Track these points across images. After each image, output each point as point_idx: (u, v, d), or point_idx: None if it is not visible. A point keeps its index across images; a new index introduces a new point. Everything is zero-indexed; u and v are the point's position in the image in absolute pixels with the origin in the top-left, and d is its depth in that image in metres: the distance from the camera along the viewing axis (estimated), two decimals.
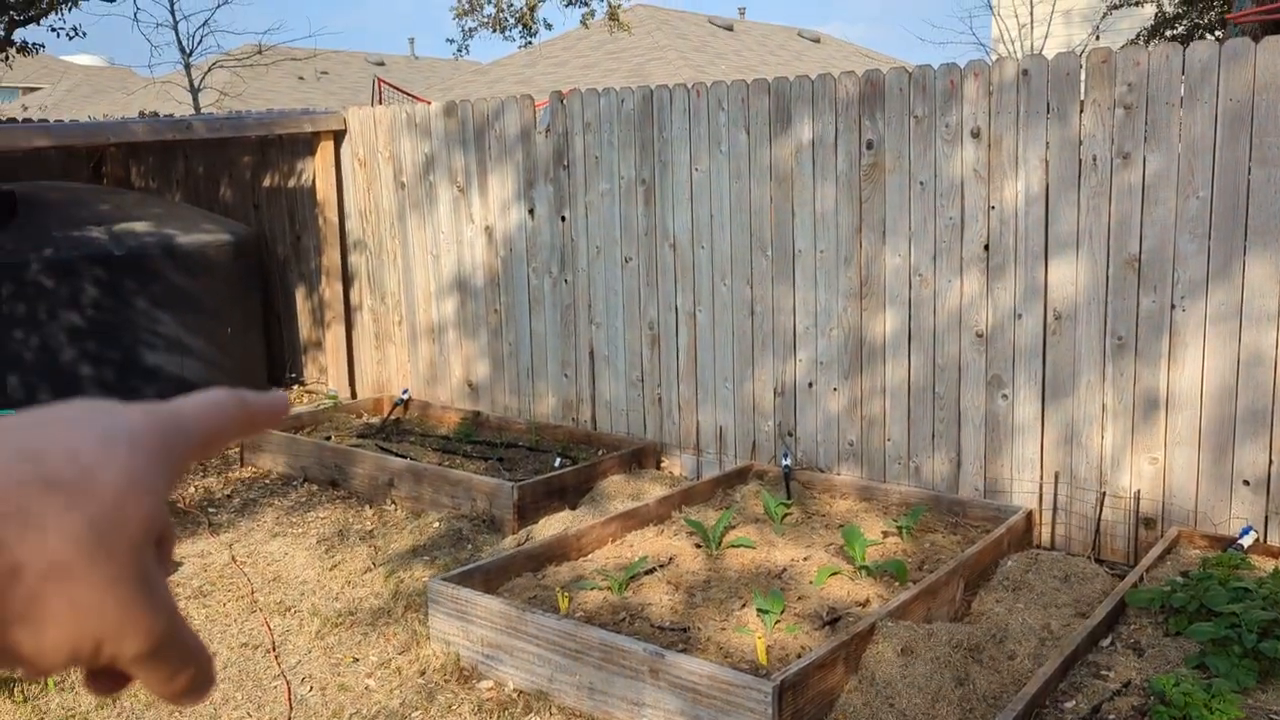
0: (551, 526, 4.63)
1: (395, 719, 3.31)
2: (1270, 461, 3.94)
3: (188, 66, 18.05)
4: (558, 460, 5.42)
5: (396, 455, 5.55)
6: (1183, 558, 3.89)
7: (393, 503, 5.23)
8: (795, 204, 5.03)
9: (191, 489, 5.57)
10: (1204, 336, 4.04)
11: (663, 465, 5.68)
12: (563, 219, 5.89)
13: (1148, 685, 3.00)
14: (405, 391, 6.70)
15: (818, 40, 27.76)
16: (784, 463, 5.00)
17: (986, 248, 4.51)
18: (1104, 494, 4.30)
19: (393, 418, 6.59)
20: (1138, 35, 11.28)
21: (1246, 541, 3.86)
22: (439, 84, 24.87)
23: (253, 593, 4.26)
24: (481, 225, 6.27)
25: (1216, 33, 10.36)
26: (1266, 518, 3.96)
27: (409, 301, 6.76)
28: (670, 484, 5.22)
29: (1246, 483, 3.99)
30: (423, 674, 3.56)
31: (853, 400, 4.99)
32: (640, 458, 5.52)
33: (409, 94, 15.32)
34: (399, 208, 6.71)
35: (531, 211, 6.02)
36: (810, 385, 5.11)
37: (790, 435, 5.21)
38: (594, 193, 5.73)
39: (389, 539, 4.79)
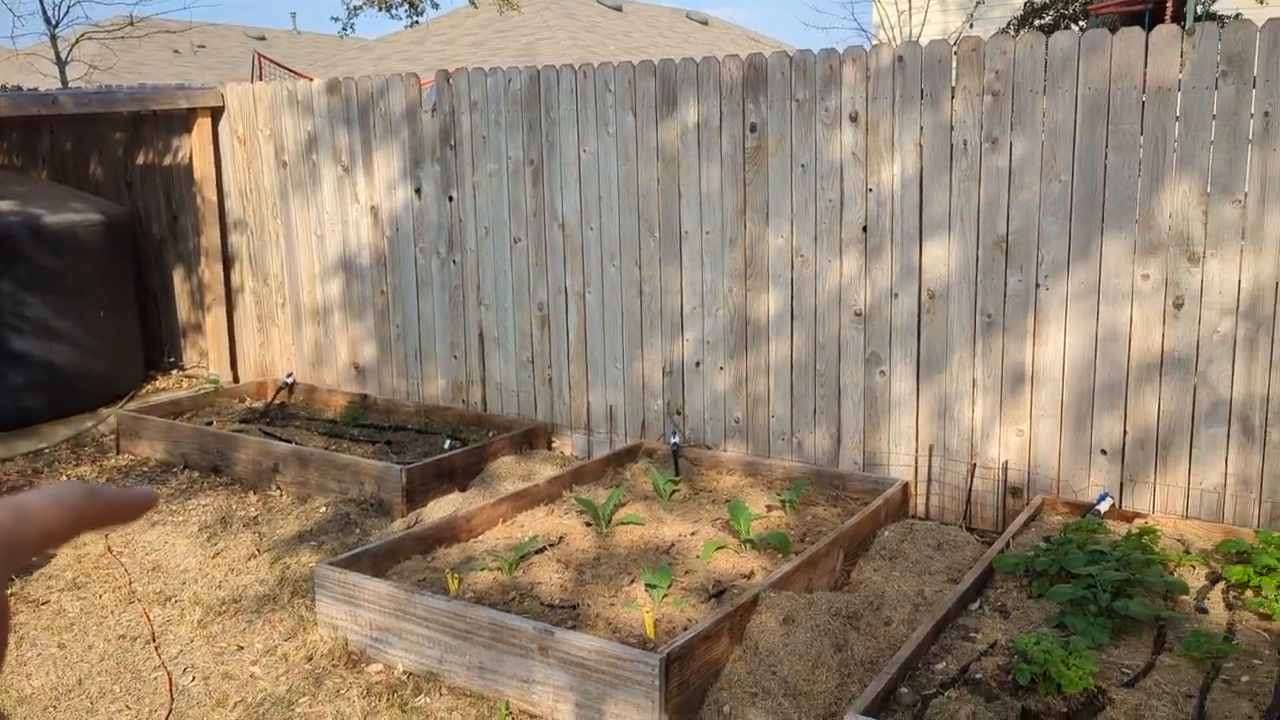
0: (441, 509, 4.61)
1: (281, 706, 3.27)
2: (1125, 432, 4.19)
3: (54, 38, 17.13)
4: (447, 442, 5.39)
5: (281, 440, 5.44)
6: (1046, 524, 4.12)
7: (278, 488, 5.13)
8: (682, 185, 5.09)
9: (64, 478, 5.36)
10: (1066, 314, 4.26)
11: (554, 445, 5.71)
12: (450, 199, 5.84)
13: (1012, 645, 3.17)
14: (289, 375, 6.56)
15: (705, 23, 27.98)
16: (672, 441, 5.09)
17: (864, 229, 4.65)
18: (975, 465, 4.51)
19: (277, 402, 6.44)
20: (1008, 24, 11.71)
21: (1103, 507, 4.10)
22: (323, 60, 24.21)
23: (130, 583, 4.14)
24: (367, 205, 6.17)
25: (1080, 23, 10.84)
26: (1122, 484, 4.21)
27: (293, 283, 6.61)
28: (561, 464, 5.25)
29: (1104, 452, 4.24)
30: (310, 659, 3.52)
31: (739, 378, 5.10)
32: (531, 438, 5.53)
33: (291, 70, 14.88)
34: (281, 187, 6.54)
35: (418, 191, 5.95)
36: (698, 364, 5.20)
37: (679, 414, 5.29)
38: (482, 173, 5.69)
39: (274, 525, 4.70)
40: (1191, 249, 3.96)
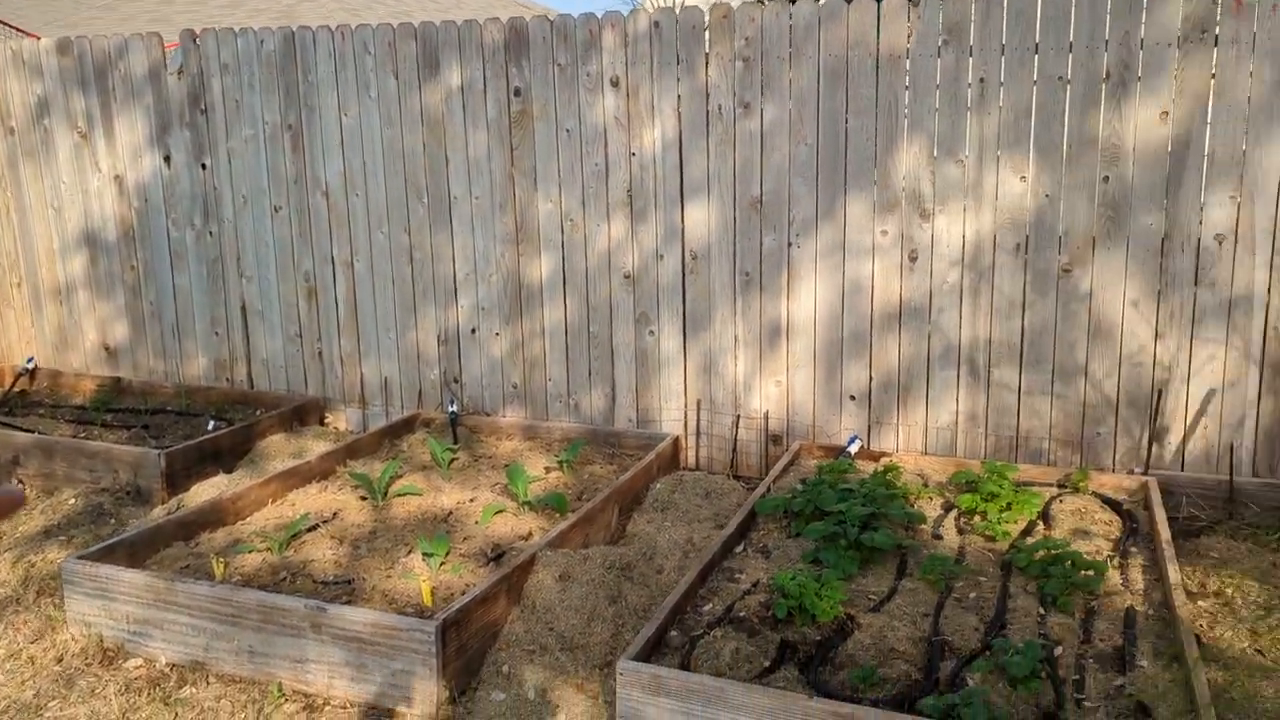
0: (205, 492, 4.41)
1: (29, 712, 3.06)
2: (871, 378, 4.51)
3: None
4: (211, 423, 5.14)
5: (22, 430, 5.02)
6: (804, 467, 4.39)
7: (20, 482, 4.74)
8: (449, 150, 5.03)
9: None
10: (816, 270, 4.52)
11: (327, 421, 5.55)
12: (203, 167, 5.52)
13: (772, 583, 3.38)
14: (30, 360, 6.05)
15: None
16: (450, 409, 5.06)
17: (630, 193, 4.76)
18: (739, 416, 4.74)
19: (16, 389, 5.93)
20: None
21: (854, 449, 4.42)
22: (60, 19, 22.12)
23: None
24: (110, 174, 5.74)
25: None
26: (869, 426, 4.54)
27: (29, 260, 6.08)
28: (335, 439, 5.12)
29: (853, 398, 4.55)
30: (60, 661, 3.31)
31: (515, 343, 5.12)
32: (302, 415, 5.36)
33: (15, 28, 13.53)
34: (9, 156, 5.98)
35: (167, 159, 5.59)
36: (473, 331, 5.19)
37: (456, 381, 5.27)
38: (236, 139, 5.41)
39: (16, 521, 4.35)
40: (923, 206, 4.29)
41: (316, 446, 4.93)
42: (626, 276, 4.85)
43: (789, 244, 4.54)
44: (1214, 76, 3.81)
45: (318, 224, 5.37)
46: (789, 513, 3.89)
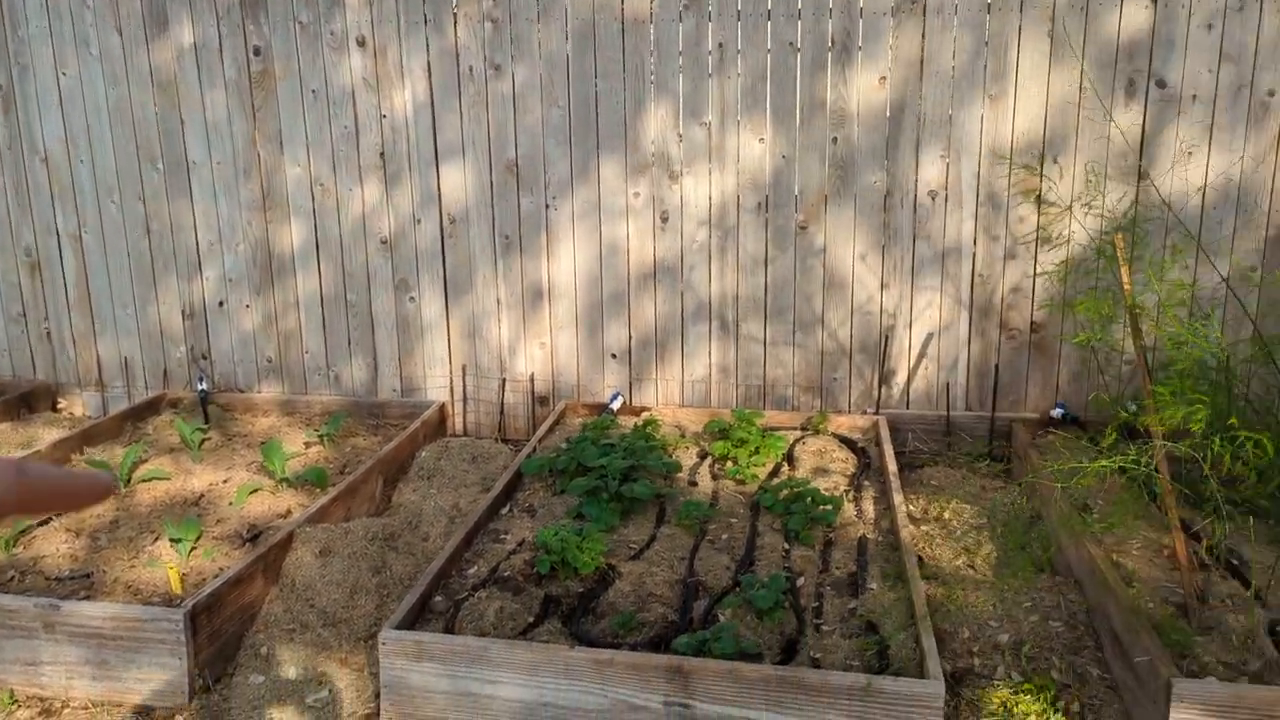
0: None
1: None
2: (630, 336, 4.65)
3: None
4: None
5: None
6: (569, 426, 4.48)
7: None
8: (184, 113, 4.73)
9: None
10: (573, 232, 4.59)
11: (60, 406, 5.15)
12: None
13: (536, 540, 3.45)
14: None
15: None
16: (199, 387, 4.81)
17: (382, 155, 4.65)
18: (505, 380, 4.77)
19: None
20: None
21: (616, 405, 4.55)
22: None
23: None
24: None
25: None
26: (631, 383, 4.69)
27: None
28: (70, 425, 4.77)
29: (614, 356, 4.68)
30: None
31: (267, 315, 4.92)
32: (30, 401, 4.94)
33: None
34: None
35: None
36: (221, 304, 4.94)
37: (205, 358, 5.01)
38: None
39: None
40: (671, 168, 4.44)
41: (47, 434, 4.57)
42: (383, 242, 4.75)
43: (546, 206, 4.58)
44: (923, 46, 4.13)
45: (38, 193, 4.93)
46: (554, 471, 3.97)
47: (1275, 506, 2.97)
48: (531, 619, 2.98)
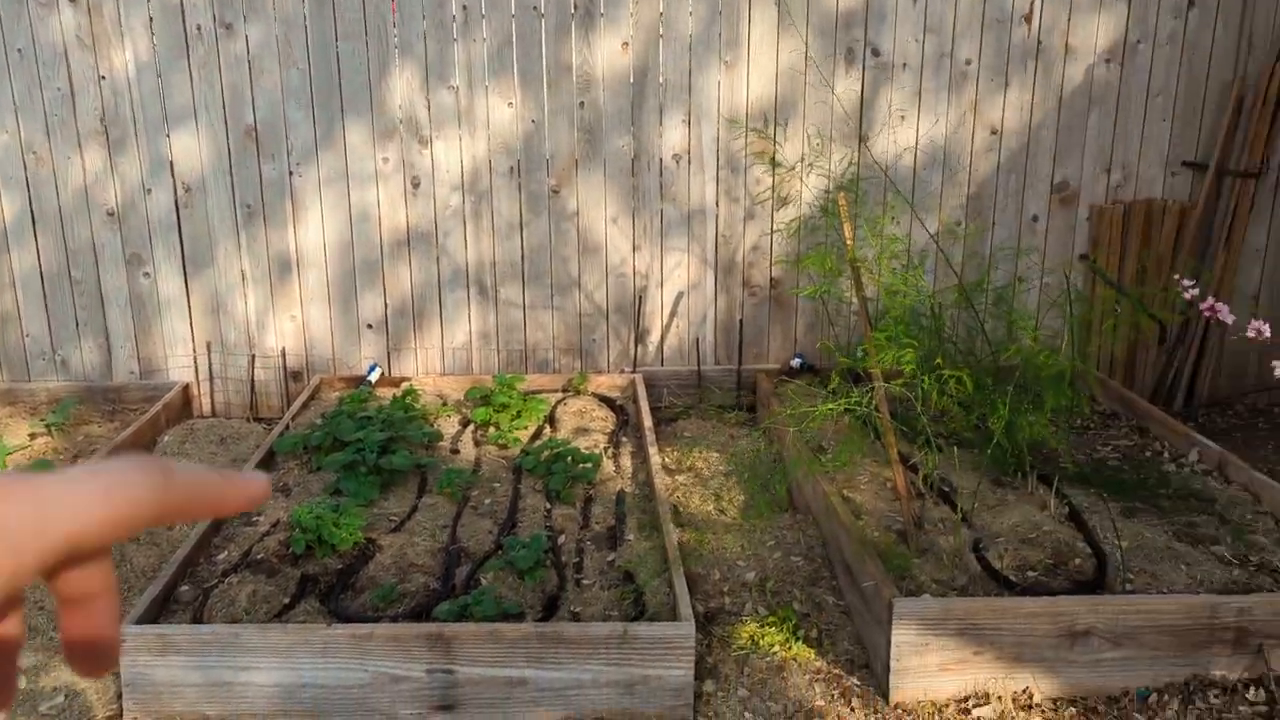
0: None
1: None
2: (386, 305, 4.56)
3: None
4: None
5: None
6: (325, 401, 4.37)
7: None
8: None
9: None
10: (321, 199, 4.44)
11: None
12: None
13: (291, 519, 3.36)
14: None
15: None
16: None
17: (104, 120, 4.31)
18: (254, 356, 4.58)
19: None
20: None
21: (374, 377, 4.47)
22: None
23: None
24: None
25: None
26: (389, 353, 4.61)
27: None
28: None
29: (370, 326, 4.58)
30: None
31: None
32: None
33: None
34: None
35: None
36: None
37: None
38: None
39: None
40: (421, 133, 4.37)
41: None
42: (110, 214, 4.42)
43: (290, 173, 4.41)
44: (662, 13, 4.25)
45: None
46: (308, 448, 3.86)
47: (978, 437, 3.31)
48: (287, 600, 2.91)
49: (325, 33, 4.25)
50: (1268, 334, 2.29)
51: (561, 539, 3.27)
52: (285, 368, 4.61)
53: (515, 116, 4.34)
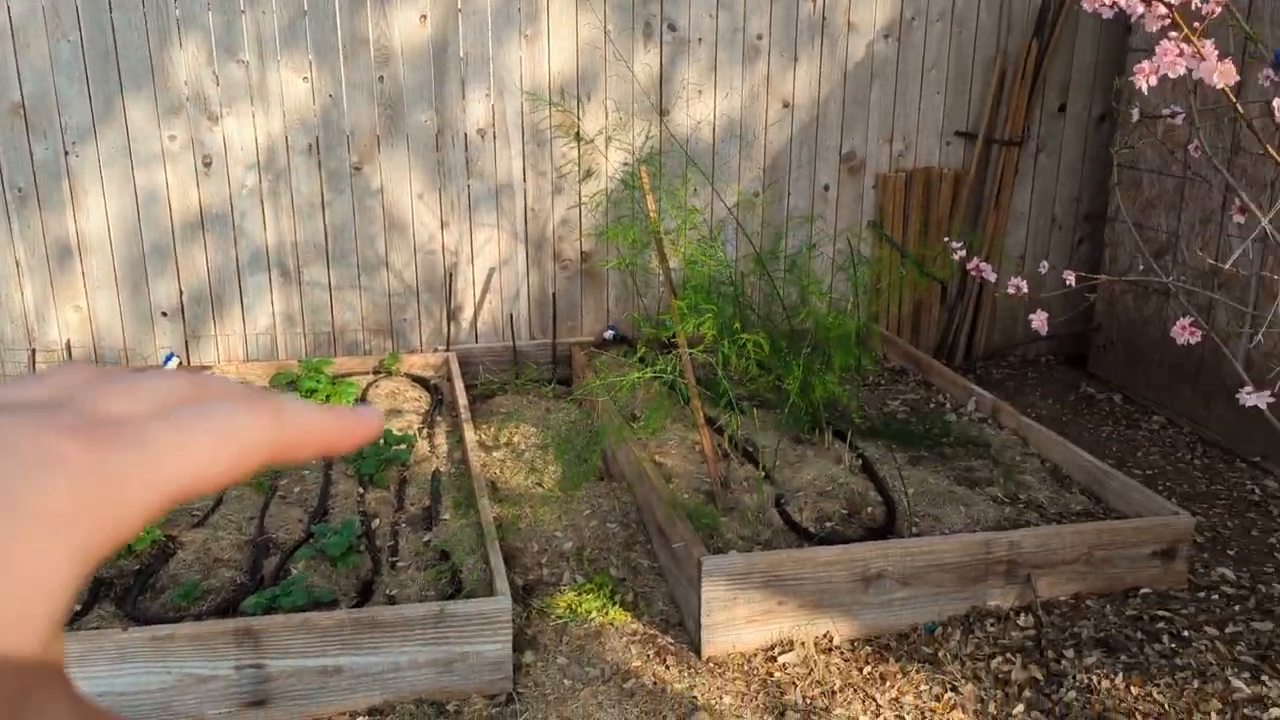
0: None
1: None
2: (181, 291, 4.35)
3: None
4: None
5: None
6: None
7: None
8: None
9: None
10: (102, 180, 4.18)
11: None
12: None
13: None
14: None
15: None
16: None
17: None
18: (34, 351, 4.28)
19: None
20: None
21: (171, 367, 4.26)
22: None
23: None
24: None
25: None
26: (187, 342, 4.41)
27: None
28: None
29: (165, 314, 4.36)
30: None
31: None
32: None
33: None
34: None
35: None
36: None
37: None
38: None
39: None
40: (210, 109, 4.17)
41: None
42: None
43: (66, 153, 4.12)
44: None
45: None
46: None
47: (778, 397, 3.48)
48: (79, 607, 2.77)
49: (98, 3, 3.99)
50: (1025, 290, 2.50)
51: (376, 523, 3.24)
52: (71, 360, 4.32)
53: (311, 91, 4.20)
